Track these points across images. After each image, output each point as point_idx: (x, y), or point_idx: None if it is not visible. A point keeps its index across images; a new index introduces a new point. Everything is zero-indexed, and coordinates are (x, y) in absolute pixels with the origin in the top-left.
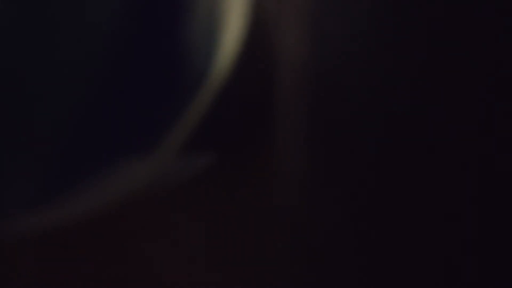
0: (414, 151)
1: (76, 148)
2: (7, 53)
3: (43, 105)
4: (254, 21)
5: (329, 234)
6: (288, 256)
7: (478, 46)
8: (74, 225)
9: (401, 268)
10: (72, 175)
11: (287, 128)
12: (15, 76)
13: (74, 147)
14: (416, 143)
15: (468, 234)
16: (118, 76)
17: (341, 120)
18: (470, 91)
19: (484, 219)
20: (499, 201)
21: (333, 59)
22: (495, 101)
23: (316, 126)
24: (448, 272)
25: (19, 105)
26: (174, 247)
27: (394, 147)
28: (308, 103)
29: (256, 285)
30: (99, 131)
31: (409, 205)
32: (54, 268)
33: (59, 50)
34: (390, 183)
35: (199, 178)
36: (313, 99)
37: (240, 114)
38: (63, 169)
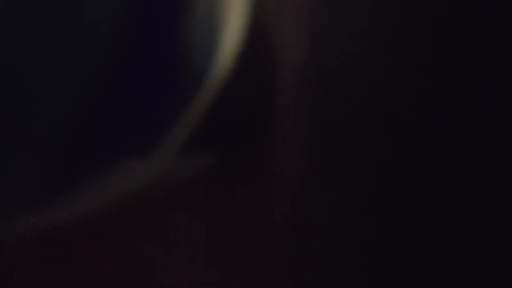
0: (414, 151)
1: (76, 148)
2: (7, 53)
3: (43, 105)
4: (254, 21)
5: (329, 234)
6: (288, 256)
7: (478, 46)
8: (74, 225)
9: (401, 268)
10: (72, 175)
11: (287, 128)
12: (15, 76)
13: (74, 147)
14: (416, 143)
15: (468, 234)
16: (118, 76)
17: (341, 120)
18: (470, 91)
19: (484, 219)
20: (499, 201)
21: (333, 59)
22: (495, 101)
23: (316, 126)
24: (448, 272)
25: (19, 105)
26: (174, 247)
27: (394, 147)
28: (308, 103)
29: (256, 285)
30: (99, 131)
31: (409, 205)
32: (54, 268)
33: (59, 50)
34: (390, 183)
35: (199, 178)
36: (313, 99)
37: (240, 114)
38: (63, 169)
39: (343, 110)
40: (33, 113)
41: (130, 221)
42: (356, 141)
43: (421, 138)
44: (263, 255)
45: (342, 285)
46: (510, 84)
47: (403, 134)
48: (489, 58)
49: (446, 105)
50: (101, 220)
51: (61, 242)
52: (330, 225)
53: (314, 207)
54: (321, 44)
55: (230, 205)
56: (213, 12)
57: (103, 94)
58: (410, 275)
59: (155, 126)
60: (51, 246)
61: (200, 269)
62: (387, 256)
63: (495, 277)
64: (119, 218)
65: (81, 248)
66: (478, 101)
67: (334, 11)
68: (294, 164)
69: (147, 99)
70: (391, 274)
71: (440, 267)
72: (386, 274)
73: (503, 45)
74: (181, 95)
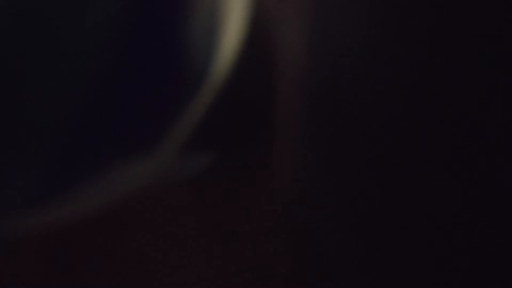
0: (414, 151)
1: (76, 148)
2: (7, 52)
3: (43, 104)
4: (254, 21)
5: (329, 234)
6: (288, 256)
7: (478, 46)
8: (74, 224)
9: (401, 268)
10: (72, 174)
11: (287, 128)
12: (15, 75)
13: (74, 147)
14: (416, 143)
15: (468, 235)
16: (118, 76)
17: (341, 120)
18: (469, 91)
19: (484, 219)
20: (499, 201)
21: (333, 59)
22: (495, 101)
23: (316, 126)
24: (448, 272)
25: (19, 104)
26: (174, 247)
27: (394, 147)
28: (308, 103)
29: (256, 285)
30: (99, 131)
31: (409, 205)
32: (54, 268)
33: (59, 50)
34: (390, 183)
35: (199, 178)
36: (313, 99)
37: (240, 114)
38: (63, 168)
39: (343, 110)
40: (34, 112)
41: (130, 221)
42: (356, 141)
43: (421, 138)
44: (263, 255)
45: (342, 285)
46: (510, 84)
47: (403, 134)
48: (489, 58)
49: (447, 106)
50: (101, 220)
51: (61, 242)
52: (330, 225)
53: (314, 207)
54: (321, 44)
55: (230, 205)
56: (213, 12)
57: (103, 93)
58: (410, 274)
59: (155, 126)
60: (51, 246)
61: (200, 269)
62: (387, 255)
63: (495, 277)
64: (119, 218)
65: (81, 248)
66: (478, 101)
67: (334, 11)
68: (294, 164)
69: (147, 99)
70: (391, 273)
71: (440, 266)
72: (386, 273)
73: (503, 45)
74: (181, 95)
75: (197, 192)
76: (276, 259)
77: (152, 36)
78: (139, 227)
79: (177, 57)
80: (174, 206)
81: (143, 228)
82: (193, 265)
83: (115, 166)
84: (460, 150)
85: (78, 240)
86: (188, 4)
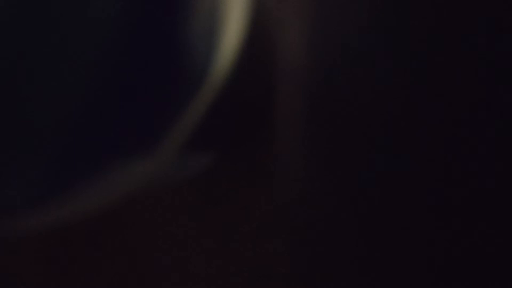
0: (414, 151)
1: (76, 148)
2: (7, 52)
3: (43, 104)
4: (254, 21)
5: (329, 234)
6: (288, 256)
7: (478, 45)
8: (74, 224)
9: (401, 268)
10: (72, 174)
11: (287, 128)
12: (15, 75)
13: (74, 147)
14: (416, 143)
15: (469, 235)
16: (118, 76)
17: (341, 120)
18: (469, 91)
19: (485, 219)
20: (500, 201)
21: (333, 59)
22: (495, 101)
23: (316, 126)
24: (448, 272)
25: (19, 104)
26: (174, 247)
27: (394, 147)
28: (308, 103)
29: (256, 285)
30: (99, 131)
31: (409, 205)
32: (54, 268)
33: (59, 50)
34: (390, 183)
35: (199, 178)
36: (313, 99)
37: (240, 114)
38: (64, 168)
39: (343, 110)
40: (34, 112)
41: (130, 221)
42: (356, 141)
43: (421, 138)
44: (263, 255)
45: (342, 285)
46: (510, 84)
47: (403, 134)
48: (489, 58)
49: (447, 106)
50: (101, 219)
51: (61, 242)
52: (330, 225)
53: (314, 206)
54: (321, 44)
55: (230, 205)
56: (213, 12)
57: (103, 93)
58: (410, 274)
59: (155, 126)
60: (51, 246)
61: (200, 269)
62: (387, 255)
63: (495, 277)
64: (119, 218)
65: (81, 247)
66: (478, 101)
67: (334, 11)
68: (294, 164)
69: (147, 99)
70: (391, 273)
71: (440, 266)
72: (386, 273)
73: (503, 45)
74: (181, 95)
75: (197, 192)
76: (276, 259)
77: (152, 36)
78: (139, 227)
79: (177, 57)
80: (174, 206)
81: (143, 228)
82: (193, 265)
83: (115, 166)
84: (460, 150)
85: (78, 240)
86: (188, 4)
